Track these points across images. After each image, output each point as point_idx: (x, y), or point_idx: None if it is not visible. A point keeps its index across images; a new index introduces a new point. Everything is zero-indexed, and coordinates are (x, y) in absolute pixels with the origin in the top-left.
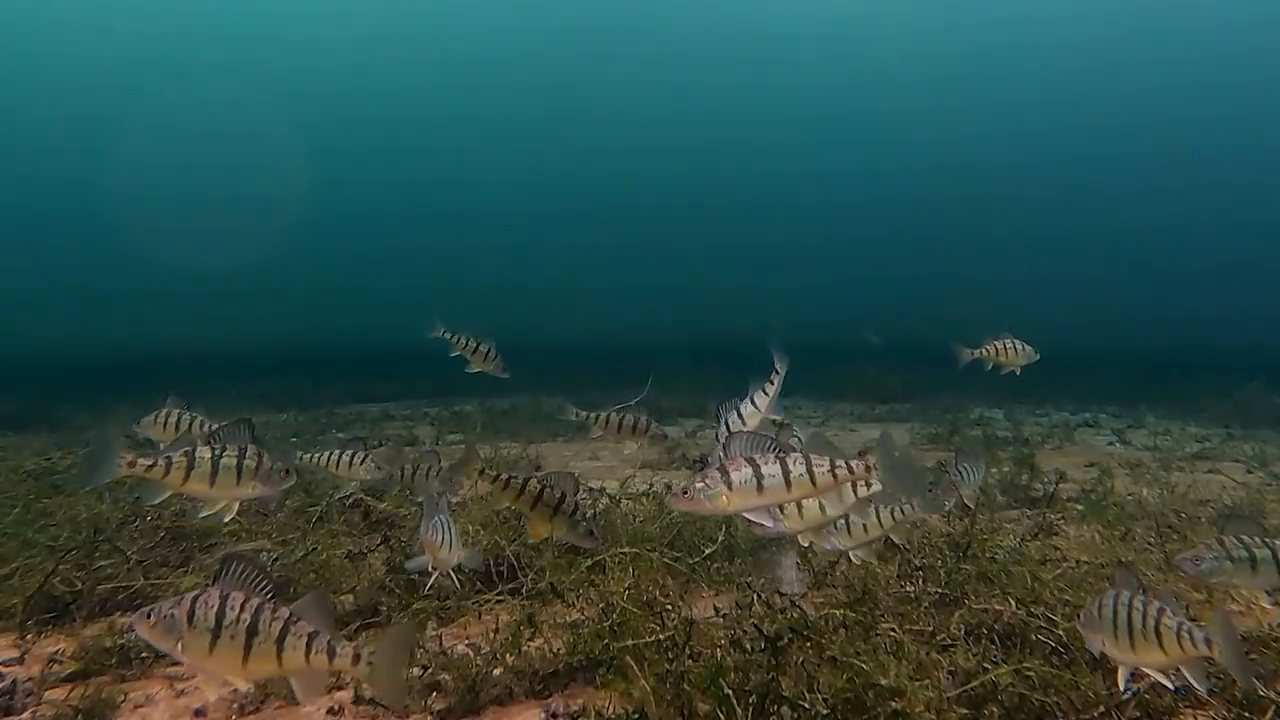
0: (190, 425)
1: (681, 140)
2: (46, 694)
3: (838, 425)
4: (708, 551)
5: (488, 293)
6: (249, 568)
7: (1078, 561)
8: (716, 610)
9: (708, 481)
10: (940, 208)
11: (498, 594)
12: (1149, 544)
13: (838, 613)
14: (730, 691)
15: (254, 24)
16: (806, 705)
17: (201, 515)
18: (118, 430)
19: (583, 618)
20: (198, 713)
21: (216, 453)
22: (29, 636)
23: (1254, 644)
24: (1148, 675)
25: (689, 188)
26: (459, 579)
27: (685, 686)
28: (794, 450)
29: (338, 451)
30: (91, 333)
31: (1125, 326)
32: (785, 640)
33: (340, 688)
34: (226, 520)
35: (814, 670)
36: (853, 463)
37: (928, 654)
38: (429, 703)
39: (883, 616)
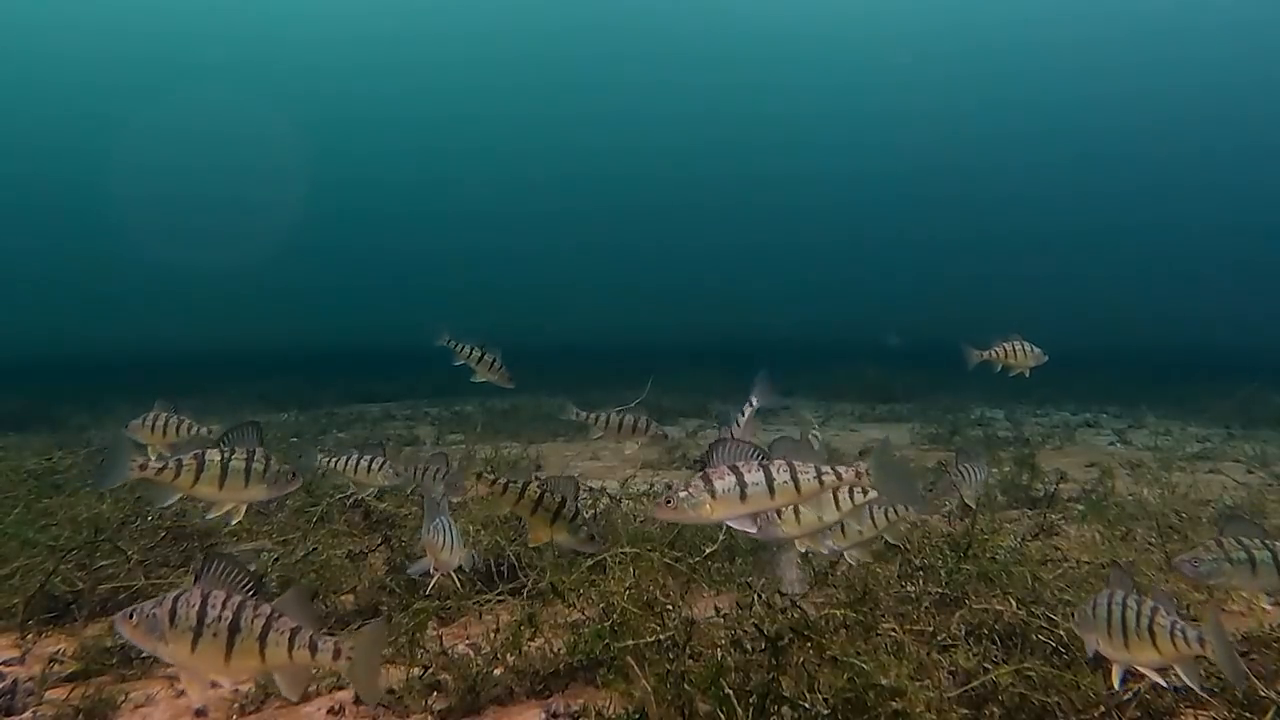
0: (178, 429)
1: (682, 140)
2: (47, 694)
3: (838, 425)
4: (708, 551)
5: (488, 292)
6: (229, 566)
7: (1078, 561)
8: (717, 610)
9: (691, 490)
10: (941, 208)
11: (498, 594)
12: (1150, 544)
13: (838, 613)
14: (731, 691)
15: (254, 24)
16: (807, 705)
17: (209, 517)
18: (125, 433)
19: (583, 618)
20: (198, 713)
21: (226, 456)
22: (30, 636)
23: (1254, 644)
24: (1146, 676)
25: (689, 188)
26: (459, 579)
27: (686, 686)
28: (792, 454)
29: (356, 456)
30: (92, 333)
31: (1126, 326)
32: (786, 640)
33: (341, 688)
34: (234, 522)
35: (815, 670)
36: (840, 469)
37: (928, 654)
38: (430, 702)
39: (883, 616)
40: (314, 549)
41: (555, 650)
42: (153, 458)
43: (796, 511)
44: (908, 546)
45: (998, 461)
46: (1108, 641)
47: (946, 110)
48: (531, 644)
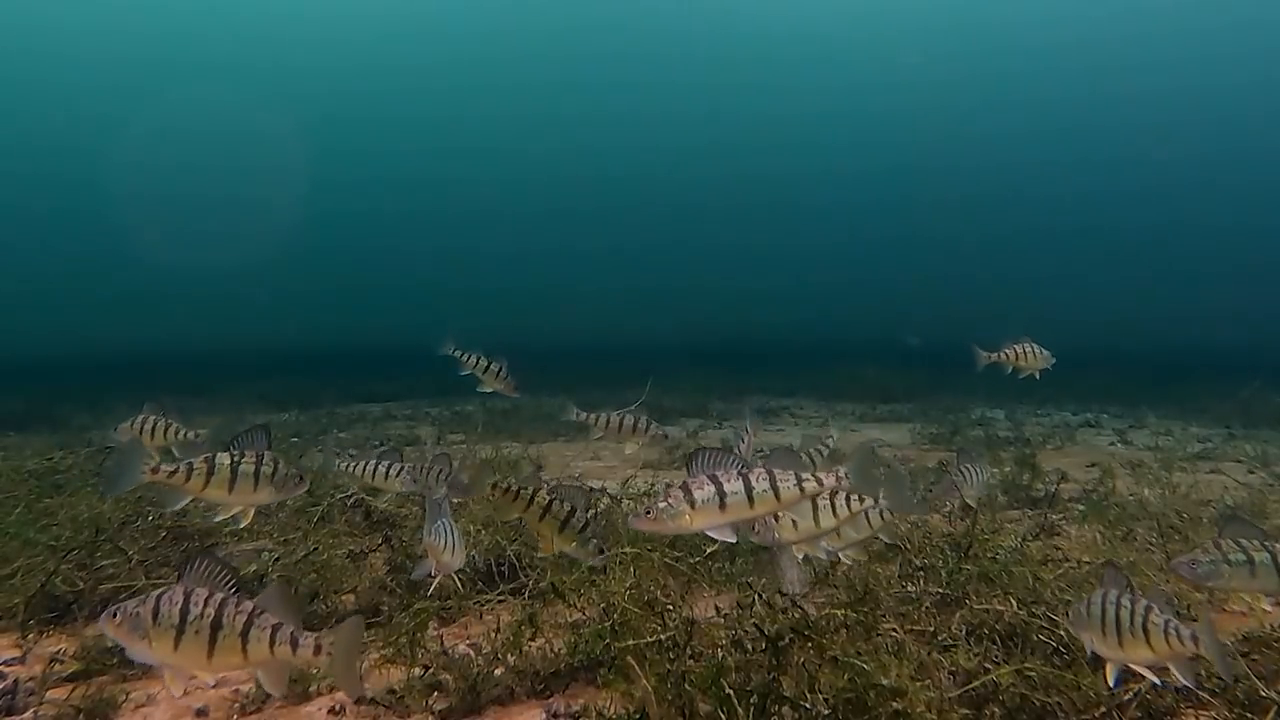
0: (165, 433)
1: (683, 140)
2: (48, 693)
3: (839, 425)
4: (709, 551)
5: (489, 292)
6: (213, 564)
7: (1079, 562)
8: (718, 610)
9: (670, 501)
10: (941, 208)
11: (499, 594)
12: (1150, 544)
13: (839, 613)
14: (731, 691)
15: (254, 24)
16: (808, 705)
17: (217, 519)
18: (116, 434)
19: (584, 618)
20: (199, 712)
21: (235, 459)
22: (31, 636)
23: (1255, 645)
24: (1146, 676)
25: (691, 188)
26: (460, 579)
27: (686, 686)
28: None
29: (374, 462)
30: (93, 333)
31: (1127, 326)
32: (786, 640)
33: None
34: (243, 525)
35: (815, 670)
36: (821, 475)
37: (929, 654)
38: (430, 702)
39: (884, 617)
40: (315, 549)
41: (556, 650)
42: (152, 461)
43: (794, 518)
44: (908, 546)
45: (998, 461)
46: (1102, 640)
47: (946, 110)
48: (532, 644)
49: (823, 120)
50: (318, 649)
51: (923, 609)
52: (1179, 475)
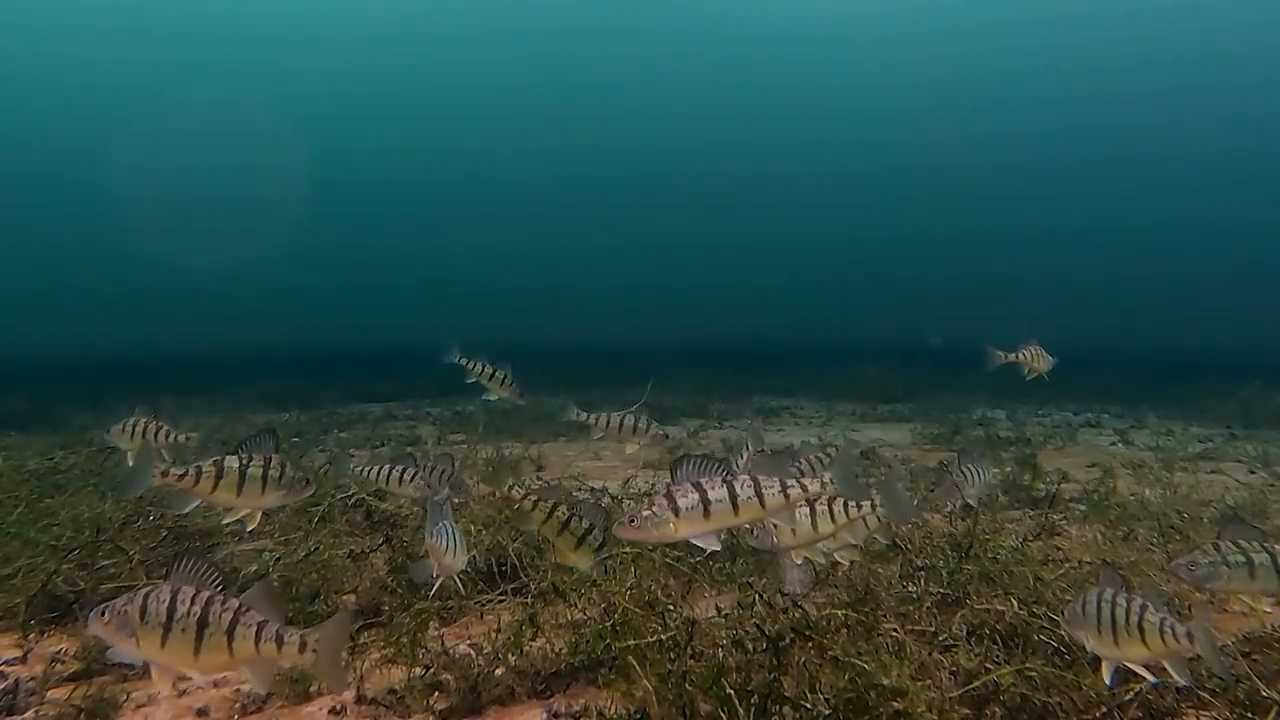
0: (157, 434)
1: (682, 140)
2: (49, 693)
3: (840, 425)
4: (710, 551)
5: (489, 292)
6: (200, 563)
7: (1080, 562)
8: (718, 610)
9: (655, 509)
10: (942, 208)
11: (500, 594)
12: (1151, 544)
13: (840, 613)
14: (732, 691)
15: (254, 24)
16: (808, 705)
17: (224, 522)
18: (109, 437)
19: (585, 617)
20: (200, 712)
21: (244, 463)
22: (32, 636)
23: (1256, 645)
24: (1144, 675)
25: (690, 188)
26: (461, 579)
27: (687, 686)
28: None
29: (389, 467)
30: (94, 333)
31: (1128, 326)
32: (787, 640)
33: None
34: (250, 528)
35: (816, 670)
36: (805, 481)
37: (930, 654)
38: (431, 702)
39: (885, 617)
40: (316, 549)
41: (557, 650)
42: (163, 464)
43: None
44: (909, 546)
45: (999, 462)
46: (1098, 638)
47: (946, 110)
48: (533, 644)
49: (823, 120)
50: (303, 646)
51: (923, 609)
52: (1180, 475)
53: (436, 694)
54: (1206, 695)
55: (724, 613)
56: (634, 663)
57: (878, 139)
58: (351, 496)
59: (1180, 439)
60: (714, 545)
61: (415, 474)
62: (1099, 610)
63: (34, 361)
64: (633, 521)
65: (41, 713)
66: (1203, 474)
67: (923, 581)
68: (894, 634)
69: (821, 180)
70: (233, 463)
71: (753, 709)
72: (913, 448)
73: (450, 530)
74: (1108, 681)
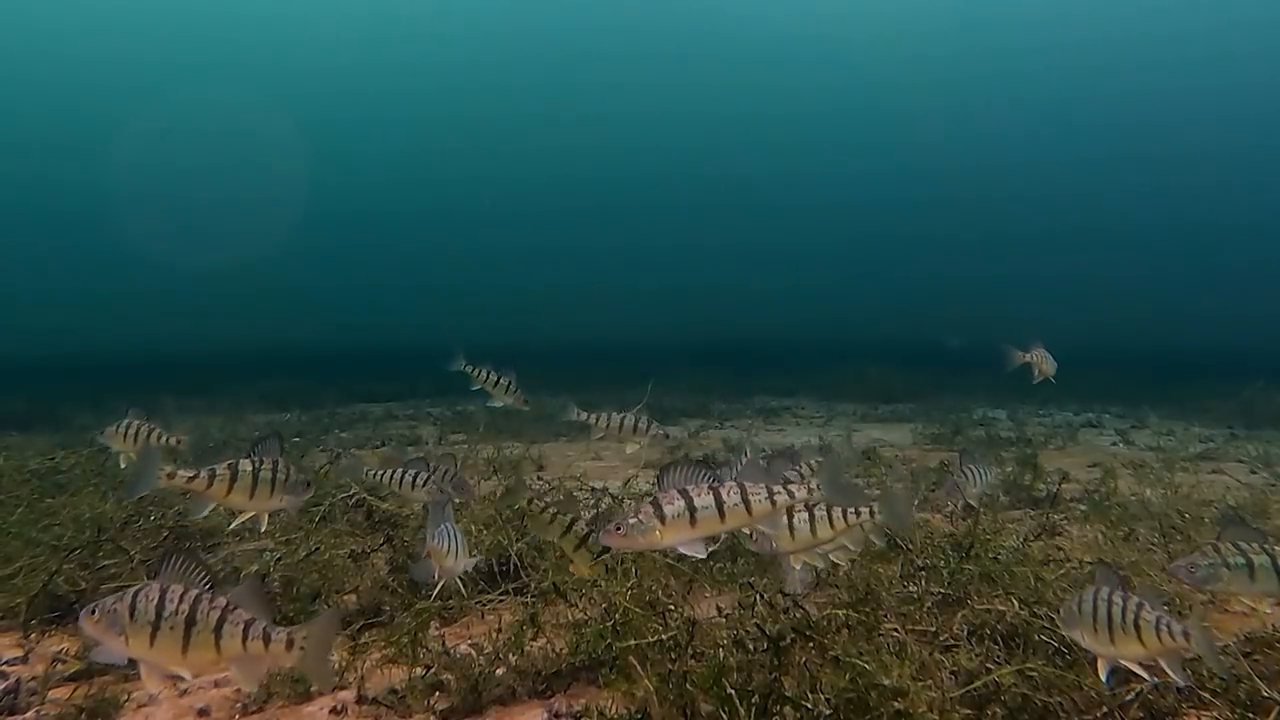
0: (148, 436)
1: (682, 140)
2: (50, 693)
3: (840, 425)
4: (710, 550)
5: (489, 292)
6: (189, 561)
7: (1081, 562)
8: (719, 610)
9: (641, 517)
10: (943, 208)
11: (501, 594)
12: (1152, 544)
13: (840, 613)
14: (733, 691)
15: (254, 24)
16: (809, 705)
17: (233, 525)
18: (102, 439)
19: (585, 617)
20: (201, 712)
21: (256, 466)
22: (33, 636)
23: (1257, 645)
24: (1144, 675)
25: (690, 188)
26: (462, 579)
27: (688, 686)
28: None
29: (401, 471)
30: (95, 333)
31: (1128, 326)
32: (788, 640)
33: (343, 687)
34: (263, 529)
35: (817, 670)
36: (792, 487)
37: (930, 654)
38: (432, 702)
39: (886, 617)
40: (317, 549)
41: (557, 650)
42: (169, 466)
43: (792, 528)
44: (910, 546)
45: (1000, 461)
46: (1094, 637)
47: (947, 110)
48: (534, 644)
49: (824, 120)
50: (290, 644)
51: (924, 609)
52: (1181, 475)
53: (437, 694)
54: (1207, 695)
55: (725, 613)
56: (635, 663)
57: (878, 139)
58: (353, 496)
59: (1181, 439)
60: (700, 553)
61: (428, 479)
62: (1095, 609)
63: (35, 361)
64: (619, 529)
65: (43, 712)
66: (1204, 474)
67: (924, 581)
68: (895, 634)
69: (822, 180)
70: (246, 466)
71: (754, 709)
72: (913, 448)
73: (451, 532)
74: (1104, 680)
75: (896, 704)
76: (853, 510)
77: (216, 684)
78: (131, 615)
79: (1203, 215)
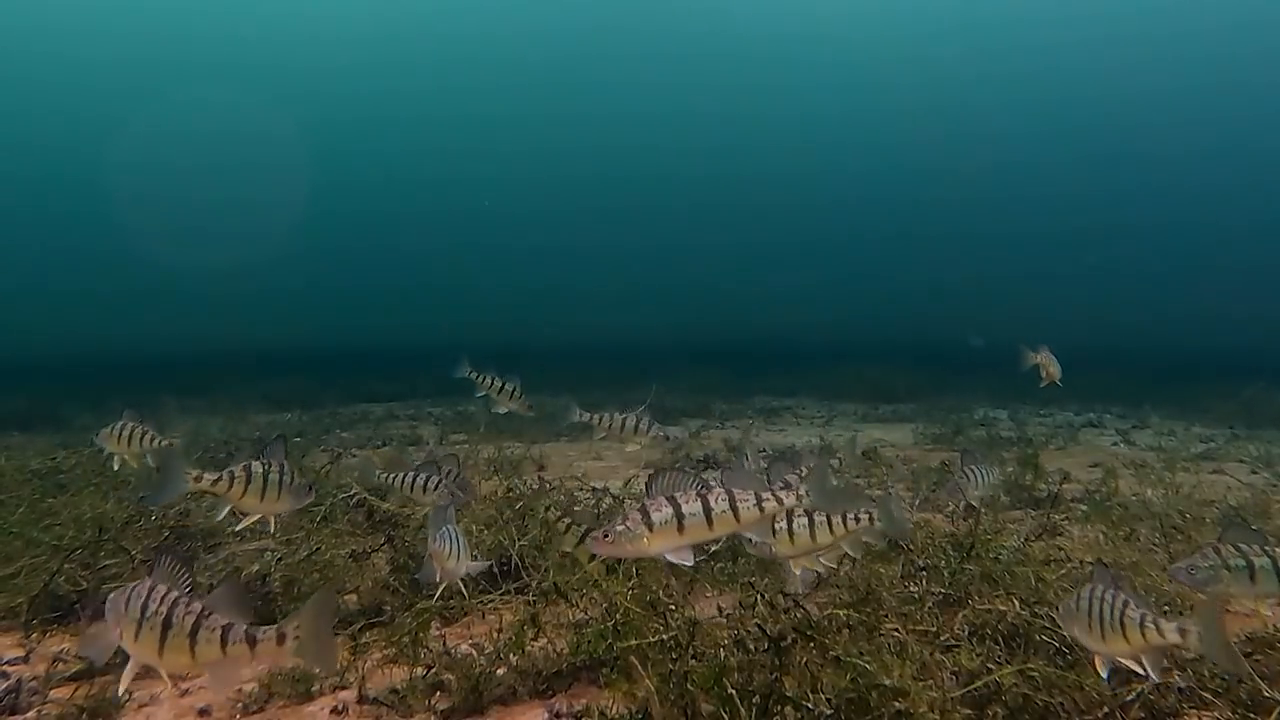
0: (142, 438)
1: (682, 140)
2: (51, 693)
3: (841, 425)
4: (712, 550)
5: (490, 292)
6: (175, 562)
7: (1082, 562)
8: (720, 610)
9: (629, 524)
10: (942, 207)
11: (502, 593)
12: (1153, 544)
13: (841, 613)
14: (734, 691)
15: (254, 24)
16: (810, 705)
17: (239, 528)
18: (97, 440)
19: (586, 617)
20: (202, 712)
21: (266, 469)
22: (34, 635)
23: (1259, 645)
24: (1137, 671)
25: (690, 188)
26: (463, 579)
27: (689, 686)
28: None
29: (412, 474)
30: (95, 333)
31: (1129, 326)
32: (789, 640)
33: (344, 687)
34: (272, 531)
35: (817, 670)
36: (781, 494)
37: (931, 654)
38: (433, 702)
39: (886, 617)
40: (317, 549)
41: (558, 650)
42: (194, 470)
43: (792, 532)
44: (911, 546)
45: (1001, 461)
46: (1088, 635)
47: (948, 110)
48: (535, 644)
49: (824, 120)
50: (282, 638)
51: (925, 609)
52: (1182, 475)
53: (438, 694)
54: (1209, 695)
55: (726, 613)
56: (636, 663)
57: (879, 139)
58: (353, 496)
59: (1182, 439)
60: (687, 561)
61: (439, 481)
62: (1090, 607)
63: (36, 361)
64: (606, 536)
65: (44, 712)
66: (1205, 474)
67: (924, 581)
68: (896, 634)
69: (823, 180)
70: (258, 469)
71: (754, 709)
72: (914, 448)
73: (453, 535)
74: (1103, 676)
75: (897, 704)
76: (853, 516)
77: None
78: (125, 611)
79: (1203, 215)
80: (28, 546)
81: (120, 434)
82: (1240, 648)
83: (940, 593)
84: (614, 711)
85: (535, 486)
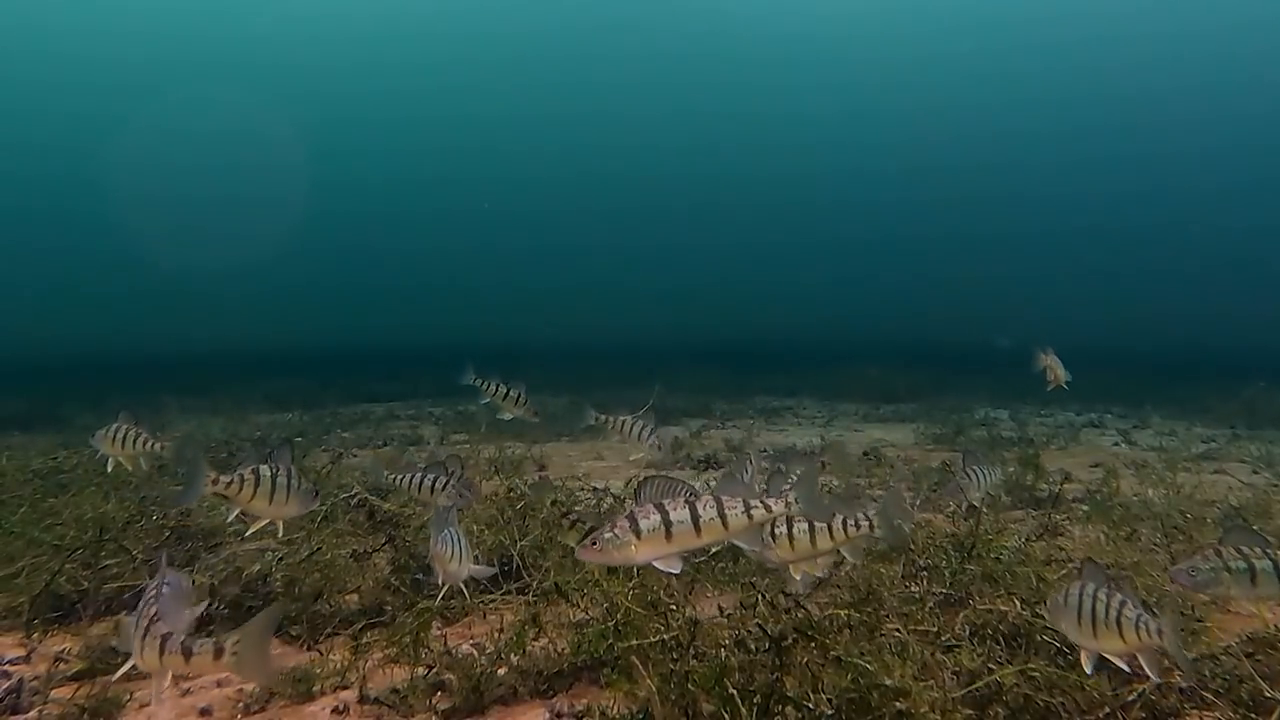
0: (135, 441)
1: (682, 140)
2: (52, 692)
3: (842, 426)
4: (713, 550)
5: (491, 292)
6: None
7: (1082, 562)
8: (721, 610)
9: (616, 531)
10: (944, 208)
11: (503, 593)
12: (1154, 545)
13: (842, 613)
14: (735, 691)
15: (254, 24)
16: (811, 705)
17: (249, 533)
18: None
19: (587, 617)
20: (203, 711)
21: (274, 473)
22: (35, 635)
23: (1259, 646)
24: (1150, 676)
25: (690, 188)
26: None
27: (690, 686)
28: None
29: (420, 475)
30: (96, 333)
31: (1131, 326)
32: (790, 640)
33: (345, 687)
34: (281, 535)
35: (818, 670)
36: (770, 501)
37: (932, 654)
38: (434, 702)
39: (887, 617)
40: (318, 548)
41: (559, 650)
42: (213, 473)
43: (792, 538)
44: (912, 546)
45: (1001, 462)
46: (1077, 630)
47: (948, 110)
48: (536, 644)
49: (825, 120)
50: (219, 652)
51: (926, 609)
52: (1183, 475)
53: (439, 693)
54: (1210, 696)
55: (727, 613)
56: (637, 662)
57: (879, 139)
58: (354, 496)
59: (1183, 439)
60: (675, 568)
61: (446, 483)
62: (1080, 603)
63: (37, 361)
64: (594, 543)
65: (45, 712)
66: (1206, 474)
67: (925, 581)
68: (897, 634)
69: (823, 180)
70: (266, 472)
71: (755, 709)
72: (915, 448)
73: (456, 537)
74: (1089, 670)
75: (898, 704)
76: (853, 522)
77: (219, 684)
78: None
79: (1204, 215)
80: (29, 546)
81: (115, 436)
82: (1241, 648)
83: (941, 593)
84: (615, 711)
85: (539, 477)
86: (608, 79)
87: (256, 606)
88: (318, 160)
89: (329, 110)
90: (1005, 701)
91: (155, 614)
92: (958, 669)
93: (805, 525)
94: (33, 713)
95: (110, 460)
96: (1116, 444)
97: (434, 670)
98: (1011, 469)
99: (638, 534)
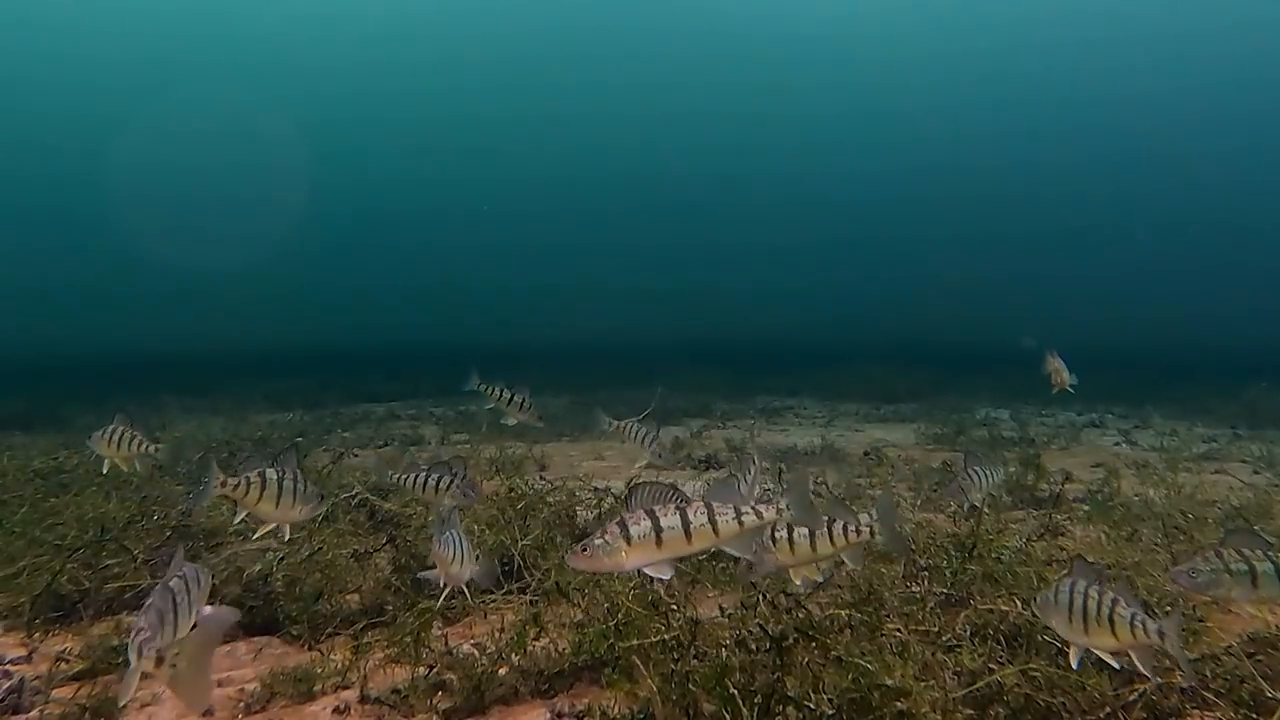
0: (131, 443)
1: (683, 140)
2: (54, 692)
3: (843, 426)
4: (713, 550)
5: (489, 292)
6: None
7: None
8: (722, 610)
9: (606, 538)
10: (945, 208)
11: (504, 593)
12: (1155, 545)
13: (843, 613)
14: (735, 691)
15: (254, 24)
16: (812, 705)
17: (255, 536)
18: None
19: (588, 617)
20: (204, 711)
21: (280, 476)
22: (36, 635)
23: (1260, 645)
24: (1113, 664)
25: (691, 188)
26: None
27: (690, 686)
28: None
29: (424, 475)
30: (97, 333)
31: (1132, 326)
32: (790, 640)
33: (346, 687)
34: (287, 537)
35: (819, 670)
36: (761, 507)
37: (933, 654)
38: (434, 702)
39: (888, 617)
40: (319, 548)
41: (560, 650)
42: (222, 475)
43: (792, 543)
44: (913, 547)
45: (1002, 462)
46: (1068, 626)
47: (949, 110)
48: (536, 643)
49: (825, 120)
50: (159, 661)
51: (927, 609)
52: (1184, 476)
53: (440, 693)
54: (1211, 696)
55: (727, 612)
56: (637, 662)
57: (880, 139)
58: (355, 496)
59: (1184, 439)
60: (665, 574)
61: (451, 483)
62: (1071, 600)
63: (38, 362)
64: (584, 550)
65: (46, 712)
66: (1207, 474)
67: (926, 582)
68: (897, 634)
69: (824, 180)
70: (273, 475)
71: (756, 709)
72: (916, 448)
73: (458, 539)
74: (1074, 665)
75: (899, 704)
76: (853, 528)
77: (220, 684)
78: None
79: (1208, 215)
80: (30, 546)
81: (110, 438)
82: (1243, 648)
83: (942, 593)
84: (616, 711)
85: (540, 476)
86: (608, 79)
87: (257, 606)
88: (318, 160)
89: (329, 110)
90: (1006, 701)
91: (148, 612)
92: (959, 669)
93: (806, 530)
94: (34, 712)
95: (106, 462)
96: (1118, 444)
97: (435, 670)
98: (1012, 469)
99: (628, 540)
